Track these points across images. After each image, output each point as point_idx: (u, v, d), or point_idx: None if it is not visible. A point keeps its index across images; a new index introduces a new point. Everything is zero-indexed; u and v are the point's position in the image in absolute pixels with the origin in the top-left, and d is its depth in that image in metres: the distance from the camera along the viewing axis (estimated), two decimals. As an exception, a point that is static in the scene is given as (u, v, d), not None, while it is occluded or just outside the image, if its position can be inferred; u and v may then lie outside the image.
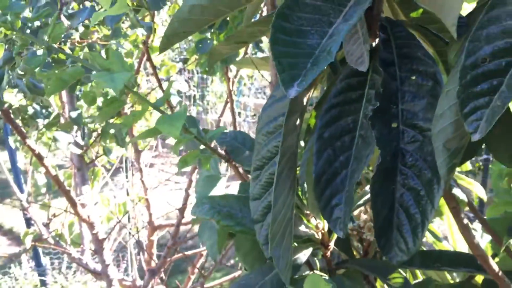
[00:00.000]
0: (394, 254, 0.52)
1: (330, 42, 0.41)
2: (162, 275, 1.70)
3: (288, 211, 0.56)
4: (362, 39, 0.52)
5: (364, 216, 0.88)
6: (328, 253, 0.75)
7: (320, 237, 0.72)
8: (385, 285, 0.76)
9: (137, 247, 1.83)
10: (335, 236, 0.74)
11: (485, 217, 0.88)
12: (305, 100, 0.58)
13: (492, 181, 1.02)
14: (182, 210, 1.59)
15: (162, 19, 1.97)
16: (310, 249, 0.69)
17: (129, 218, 2.06)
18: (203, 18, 0.58)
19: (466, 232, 0.74)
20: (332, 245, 0.74)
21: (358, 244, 0.88)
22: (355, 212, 0.87)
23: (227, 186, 0.71)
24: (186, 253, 1.77)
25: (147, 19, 1.55)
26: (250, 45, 1.45)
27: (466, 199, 0.71)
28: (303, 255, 0.68)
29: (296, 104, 0.54)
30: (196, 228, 1.78)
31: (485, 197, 1.07)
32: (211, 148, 0.68)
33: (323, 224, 0.71)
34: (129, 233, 1.90)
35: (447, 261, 0.84)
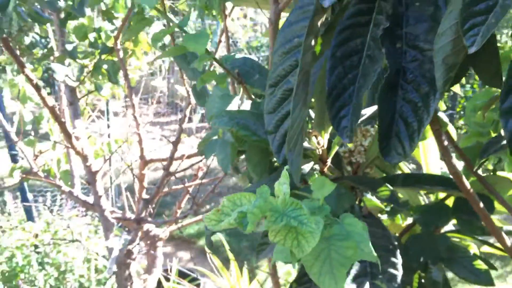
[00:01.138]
0: (392, 157, 0.61)
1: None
2: (151, 209, 1.79)
3: (301, 122, 0.64)
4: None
5: (354, 140, 0.97)
6: (325, 169, 0.84)
7: (320, 153, 0.80)
8: (373, 198, 0.87)
9: (117, 176, 1.90)
10: (332, 154, 0.83)
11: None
12: (319, 23, 0.64)
13: (466, 115, 1.13)
14: (175, 143, 1.66)
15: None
16: (311, 163, 0.78)
17: (121, 157, 2.12)
18: None
19: (445, 152, 0.84)
20: (329, 162, 0.84)
21: (348, 166, 0.98)
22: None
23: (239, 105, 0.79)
24: (174, 187, 1.86)
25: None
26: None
27: (448, 122, 0.80)
28: (306, 167, 0.77)
29: (314, 25, 0.61)
30: (186, 164, 1.86)
31: (455, 137, 1.19)
32: (226, 69, 0.74)
33: (324, 142, 0.80)
34: (121, 168, 1.96)
35: (425, 182, 0.95)
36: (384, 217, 1.29)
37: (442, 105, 1.26)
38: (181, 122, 1.60)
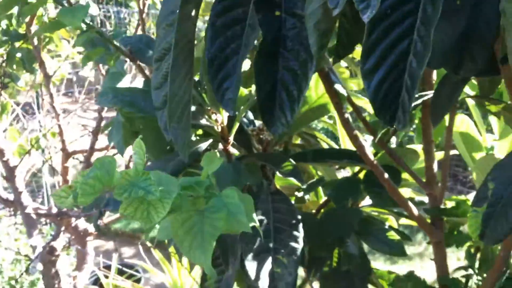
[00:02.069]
0: (277, 128, 0.60)
1: None
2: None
3: (186, 95, 0.62)
4: None
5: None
6: (229, 147, 0.82)
7: (220, 130, 0.79)
8: (277, 173, 0.86)
9: (52, 173, 1.81)
10: (234, 131, 0.82)
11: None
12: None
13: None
14: (95, 133, 1.60)
15: None
16: (210, 140, 0.77)
17: (43, 150, 2.02)
18: None
19: (346, 125, 0.85)
20: (231, 139, 0.82)
21: (259, 145, 0.97)
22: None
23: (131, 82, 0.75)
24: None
25: None
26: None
27: (346, 94, 0.81)
28: (203, 145, 0.75)
29: (189, -7, 0.59)
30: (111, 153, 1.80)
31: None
32: (115, 45, 0.71)
33: (222, 118, 0.78)
34: (43, 161, 1.87)
35: (334, 156, 0.96)
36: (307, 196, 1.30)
37: (356, 84, 1.28)
38: (99, 110, 1.54)
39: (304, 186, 1.10)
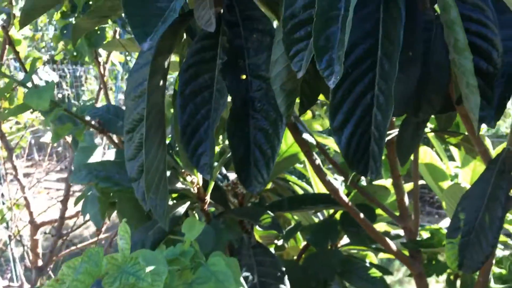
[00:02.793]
0: (254, 186, 0.61)
1: (175, 3, 0.48)
2: (50, 273, 1.65)
3: (161, 164, 0.63)
4: (209, 5, 0.60)
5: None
6: (206, 206, 0.82)
7: (196, 191, 0.79)
8: (256, 227, 0.87)
9: (21, 246, 1.74)
10: (210, 190, 0.83)
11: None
12: (166, 63, 0.64)
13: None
14: (64, 202, 1.55)
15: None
16: (187, 203, 0.77)
17: (7, 224, 1.94)
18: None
19: (318, 171, 0.87)
20: (208, 199, 0.82)
21: (234, 199, 0.98)
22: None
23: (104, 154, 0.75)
24: (79, 245, 1.73)
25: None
26: (119, 29, 1.46)
27: (315, 143, 0.83)
28: (181, 209, 0.75)
29: (157, 66, 0.61)
30: (81, 221, 1.75)
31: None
32: (83, 120, 0.71)
33: (198, 180, 0.79)
34: (9, 236, 1.79)
35: (309, 202, 0.97)
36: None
37: (320, 125, 1.32)
38: (68, 176, 1.50)
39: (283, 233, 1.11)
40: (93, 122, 0.76)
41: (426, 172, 1.13)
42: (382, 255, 1.32)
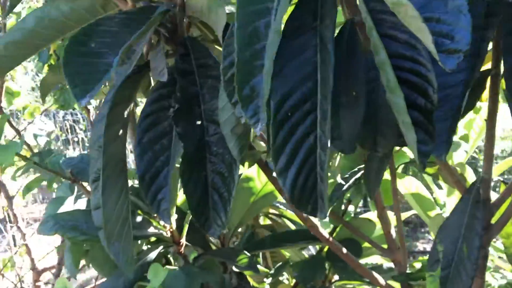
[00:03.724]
0: (214, 230, 0.62)
1: (114, 60, 0.50)
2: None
3: (123, 211, 0.63)
4: (162, 56, 0.62)
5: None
6: (182, 249, 0.83)
7: (169, 235, 0.80)
8: (233, 267, 0.86)
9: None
10: (185, 233, 0.83)
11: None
12: (125, 112, 0.66)
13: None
14: (61, 248, 1.56)
15: None
16: (160, 248, 0.77)
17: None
18: (20, 53, 0.64)
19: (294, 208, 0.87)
20: (183, 241, 0.83)
21: (217, 240, 0.98)
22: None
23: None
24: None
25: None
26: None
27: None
28: (153, 254, 0.75)
29: (114, 117, 0.62)
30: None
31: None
32: (54, 171, 0.73)
33: (171, 223, 0.79)
34: (13, 282, 1.80)
35: (289, 239, 0.97)
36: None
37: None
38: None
39: (272, 271, 1.10)
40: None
41: (414, 202, 1.12)
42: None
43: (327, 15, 0.50)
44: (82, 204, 0.75)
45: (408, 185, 1.10)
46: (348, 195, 1.05)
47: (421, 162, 0.51)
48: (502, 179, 0.88)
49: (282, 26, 0.53)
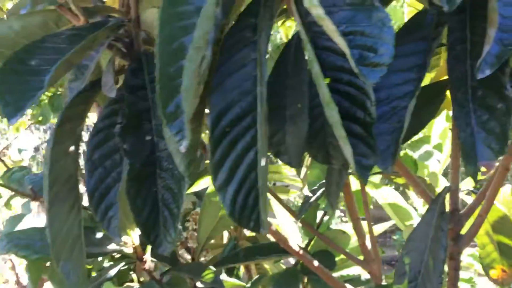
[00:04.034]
0: (165, 247, 0.61)
1: (46, 77, 0.50)
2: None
3: (73, 229, 0.63)
4: (111, 72, 0.62)
5: (188, 227, 0.97)
6: (146, 266, 0.82)
7: (132, 251, 0.79)
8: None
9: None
10: (149, 249, 0.82)
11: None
12: (78, 129, 0.66)
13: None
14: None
15: None
16: (121, 264, 0.76)
17: None
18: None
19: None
20: (147, 257, 0.82)
21: (188, 254, 0.97)
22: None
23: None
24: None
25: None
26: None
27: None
28: (113, 271, 0.74)
29: (63, 134, 0.62)
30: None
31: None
32: (11, 189, 0.72)
33: (132, 239, 0.78)
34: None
35: (262, 252, 0.96)
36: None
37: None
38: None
39: (248, 285, 1.08)
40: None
41: (391, 212, 1.11)
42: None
43: (263, 29, 0.50)
44: (42, 221, 0.74)
45: (385, 195, 1.09)
46: (323, 206, 1.04)
47: (362, 176, 0.50)
48: (471, 189, 0.86)
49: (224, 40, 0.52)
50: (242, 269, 1.37)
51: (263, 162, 0.50)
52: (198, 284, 0.84)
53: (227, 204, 0.51)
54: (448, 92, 0.69)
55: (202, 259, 0.96)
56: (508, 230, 0.85)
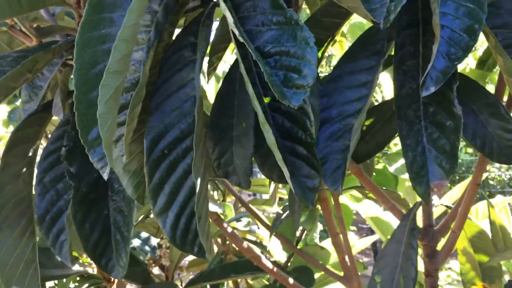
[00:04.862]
0: (117, 272, 0.59)
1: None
2: None
3: (25, 253, 0.61)
4: (59, 94, 0.61)
5: (162, 245, 0.95)
6: (114, 286, 0.80)
7: (97, 271, 0.77)
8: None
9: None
10: (116, 269, 0.80)
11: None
12: (31, 150, 0.65)
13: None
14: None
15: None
16: (86, 285, 0.75)
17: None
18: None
19: (234, 239, 0.84)
20: (115, 279, 0.80)
21: (161, 272, 0.95)
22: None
23: None
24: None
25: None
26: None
27: (221, 211, 0.81)
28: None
29: (14, 156, 0.61)
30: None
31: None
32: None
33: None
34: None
35: (237, 270, 0.94)
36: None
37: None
38: None
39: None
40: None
41: (374, 225, 1.08)
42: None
43: (199, 48, 0.49)
44: None
45: (367, 208, 1.07)
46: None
47: (305, 199, 0.48)
48: (445, 205, 0.84)
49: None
50: (230, 284, 1.35)
51: (200, 185, 0.48)
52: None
53: (167, 230, 0.49)
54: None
55: (175, 277, 0.94)
56: (487, 247, 0.82)
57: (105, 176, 0.42)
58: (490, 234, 0.82)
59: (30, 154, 0.64)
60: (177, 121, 0.49)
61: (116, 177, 0.60)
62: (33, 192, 0.64)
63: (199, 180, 0.46)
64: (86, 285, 0.75)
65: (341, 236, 0.96)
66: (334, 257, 1.06)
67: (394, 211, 0.77)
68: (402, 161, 0.97)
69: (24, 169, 0.63)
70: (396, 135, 0.68)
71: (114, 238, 0.60)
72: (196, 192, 0.48)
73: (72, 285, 0.79)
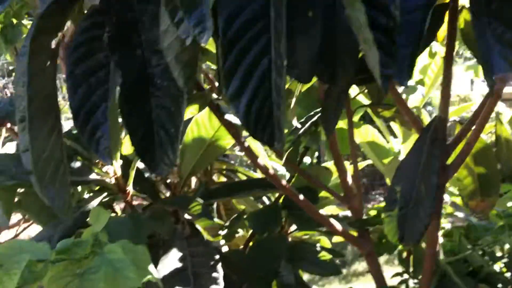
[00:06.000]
0: (161, 169, 0.56)
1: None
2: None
3: (55, 152, 0.57)
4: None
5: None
6: (129, 198, 0.77)
7: (114, 182, 0.74)
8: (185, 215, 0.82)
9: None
10: (131, 180, 0.77)
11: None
12: (53, 43, 0.58)
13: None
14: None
15: None
16: (103, 195, 0.71)
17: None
18: None
19: (248, 153, 0.83)
20: (130, 189, 0.77)
21: (167, 190, 0.93)
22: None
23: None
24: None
25: None
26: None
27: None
28: (95, 202, 0.69)
29: (38, 47, 0.55)
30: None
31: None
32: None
33: (115, 169, 0.73)
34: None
35: (244, 187, 0.93)
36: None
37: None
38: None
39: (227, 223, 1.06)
40: None
41: (369, 150, 1.11)
42: (336, 239, 1.29)
43: None
44: (11, 148, 0.67)
45: (364, 133, 1.09)
46: (304, 144, 1.02)
47: (383, 85, 0.47)
48: (458, 120, 0.87)
49: None
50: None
51: (278, 72, 0.46)
52: (186, 216, 0.80)
53: (241, 115, 0.47)
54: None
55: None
56: (489, 161, 0.87)
57: (204, 43, 0.38)
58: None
59: (53, 46, 0.58)
60: (249, 2, 0.46)
61: (157, 71, 0.56)
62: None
63: (284, 65, 0.44)
64: (104, 195, 0.72)
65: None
66: (333, 179, 1.08)
67: (416, 124, 0.78)
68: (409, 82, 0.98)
69: (48, 63, 0.57)
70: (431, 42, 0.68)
71: (157, 136, 0.56)
72: (274, 75, 0.46)
73: (86, 195, 0.75)
